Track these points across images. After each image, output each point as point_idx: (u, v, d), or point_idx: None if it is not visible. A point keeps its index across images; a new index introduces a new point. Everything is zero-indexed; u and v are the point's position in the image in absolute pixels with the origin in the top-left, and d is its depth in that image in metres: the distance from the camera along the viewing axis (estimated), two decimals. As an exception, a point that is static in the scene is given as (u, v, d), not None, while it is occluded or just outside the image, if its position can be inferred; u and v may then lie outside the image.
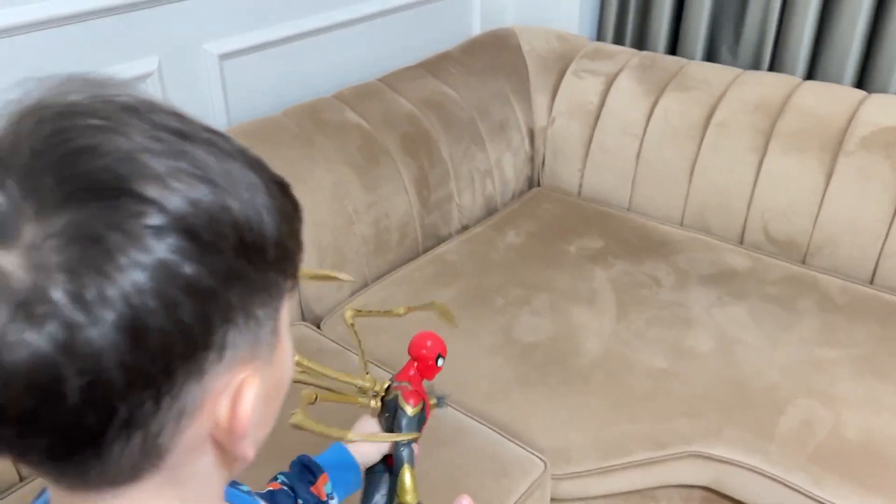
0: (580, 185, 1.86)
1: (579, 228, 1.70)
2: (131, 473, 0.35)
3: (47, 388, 0.31)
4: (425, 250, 1.67)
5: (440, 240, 1.71)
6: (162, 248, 0.31)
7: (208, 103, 1.47)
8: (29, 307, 0.30)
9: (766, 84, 1.66)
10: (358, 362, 0.77)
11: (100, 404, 0.32)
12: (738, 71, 1.71)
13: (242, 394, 0.36)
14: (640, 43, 1.97)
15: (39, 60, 1.21)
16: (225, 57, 1.45)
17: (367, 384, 0.73)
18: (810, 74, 1.75)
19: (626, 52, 1.86)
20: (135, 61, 1.33)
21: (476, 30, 2.03)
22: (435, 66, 1.80)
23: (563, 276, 1.53)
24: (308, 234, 1.42)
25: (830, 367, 1.28)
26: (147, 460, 0.35)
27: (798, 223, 1.57)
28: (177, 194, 0.32)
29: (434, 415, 0.77)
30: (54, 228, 0.30)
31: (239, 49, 1.47)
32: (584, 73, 1.84)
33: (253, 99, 1.55)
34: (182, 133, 0.34)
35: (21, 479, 1.10)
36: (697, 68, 1.75)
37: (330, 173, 1.48)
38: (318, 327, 1.45)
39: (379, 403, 0.73)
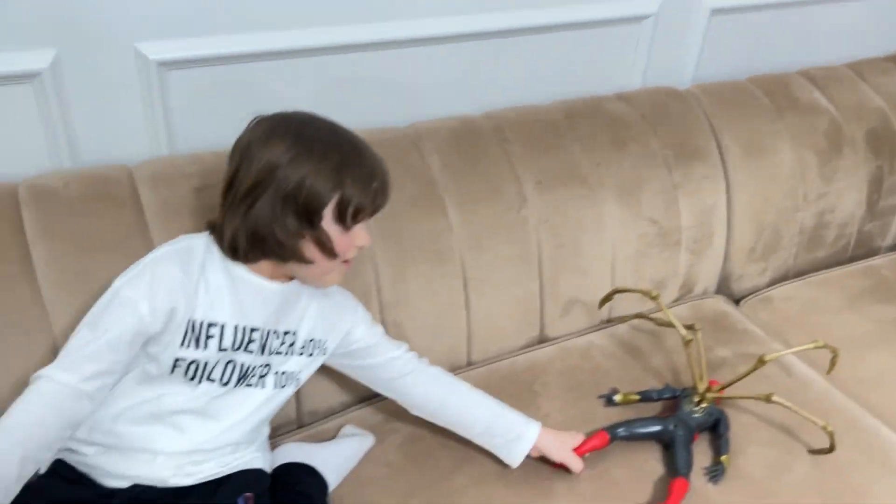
0: None
1: None
2: None
3: None
4: (852, 259, 1.53)
5: (870, 251, 1.55)
6: None
7: (684, 54, 1.44)
8: None
9: None
10: None
11: None
12: None
13: None
14: None
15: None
16: (717, 12, 1.41)
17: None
18: None
19: None
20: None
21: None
22: (908, 62, 1.62)
23: None
24: (755, 206, 1.35)
25: None
26: None
27: None
28: None
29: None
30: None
31: (731, 7, 1.42)
32: None
33: (720, 59, 1.49)
34: None
35: (300, 426, 1.09)
36: None
37: (793, 153, 1.39)
38: (737, 304, 1.39)
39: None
